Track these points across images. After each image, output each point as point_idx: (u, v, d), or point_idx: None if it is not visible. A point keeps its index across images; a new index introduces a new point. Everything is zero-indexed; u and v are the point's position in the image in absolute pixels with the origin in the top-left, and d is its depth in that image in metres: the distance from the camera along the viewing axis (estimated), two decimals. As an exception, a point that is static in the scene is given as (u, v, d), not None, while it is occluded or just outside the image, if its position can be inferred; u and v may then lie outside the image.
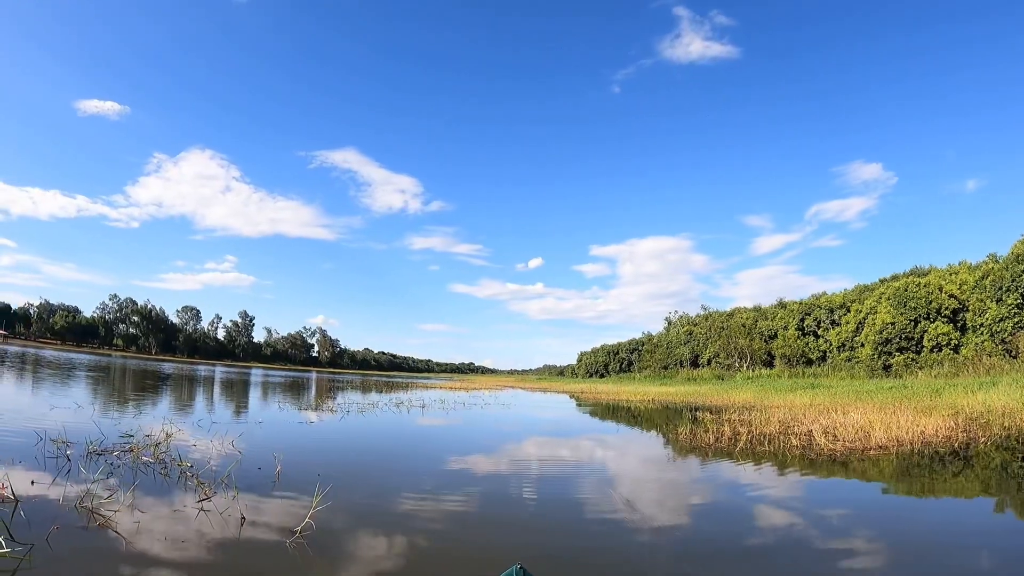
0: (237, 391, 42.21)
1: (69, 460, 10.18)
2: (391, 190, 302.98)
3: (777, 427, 19.83)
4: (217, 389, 42.66)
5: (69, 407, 18.34)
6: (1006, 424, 18.74)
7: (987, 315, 50.22)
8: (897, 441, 16.36)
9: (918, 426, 17.82)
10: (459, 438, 20.49)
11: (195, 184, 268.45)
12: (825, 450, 15.47)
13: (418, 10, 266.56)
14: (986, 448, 15.96)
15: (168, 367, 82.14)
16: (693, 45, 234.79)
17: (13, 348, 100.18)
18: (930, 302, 57.86)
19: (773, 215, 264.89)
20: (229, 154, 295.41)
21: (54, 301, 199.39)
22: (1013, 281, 47.45)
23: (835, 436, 17.17)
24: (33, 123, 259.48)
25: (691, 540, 7.87)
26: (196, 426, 16.61)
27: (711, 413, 29.16)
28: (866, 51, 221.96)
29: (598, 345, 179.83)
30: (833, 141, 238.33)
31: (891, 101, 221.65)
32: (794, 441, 16.76)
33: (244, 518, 7.51)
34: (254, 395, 38.29)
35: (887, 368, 59.67)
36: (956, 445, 16.25)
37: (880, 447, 15.75)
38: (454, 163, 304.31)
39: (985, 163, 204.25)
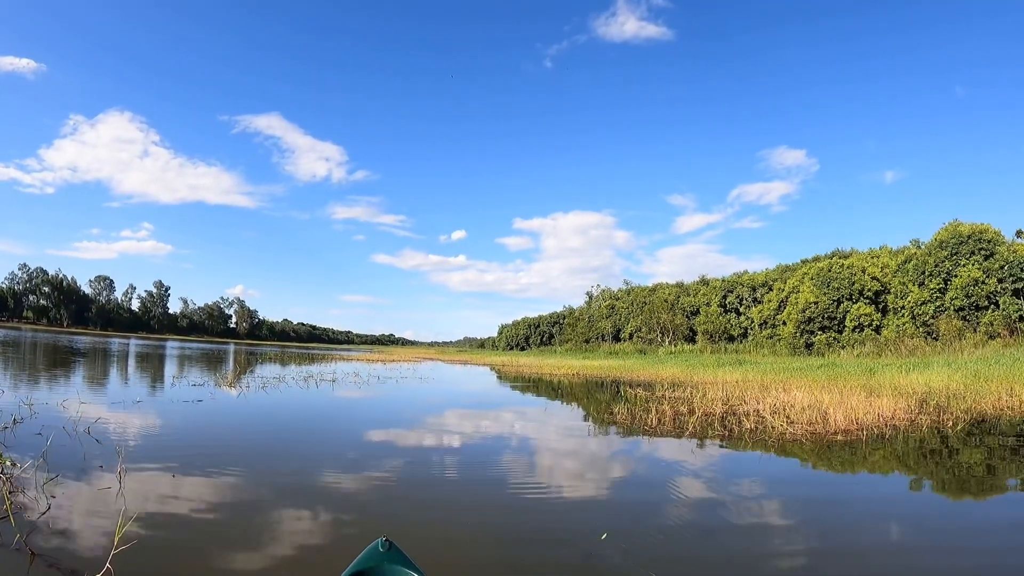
0: (156, 365, 40.19)
1: None
2: (315, 158, 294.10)
3: (721, 407, 18.42)
4: (135, 363, 40.79)
5: None
6: (964, 408, 17.62)
7: (909, 298, 50.87)
8: (858, 424, 15.05)
9: (874, 407, 16.60)
10: (372, 414, 19.06)
11: (112, 148, 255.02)
12: (784, 434, 14.03)
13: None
14: (962, 433, 14.59)
15: (82, 341, 78.95)
16: (628, 24, 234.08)
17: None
18: (853, 283, 58.34)
19: (696, 195, 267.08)
20: (149, 117, 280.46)
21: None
22: (936, 266, 48.36)
23: (788, 417, 15.75)
24: None
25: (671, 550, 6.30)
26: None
27: (641, 389, 27.89)
28: (797, 37, 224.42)
29: (519, 318, 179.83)
30: (759, 126, 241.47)
31: (816, 88, 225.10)
32: (746, 423, 15.26)
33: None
34: (162, 369, 35.97)
35: (809, 346, 60.16)
36: (925, 429, 14.92)
37: (844, 430, 14.37)
38: (381, 133, 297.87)
39: (903, 154, 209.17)
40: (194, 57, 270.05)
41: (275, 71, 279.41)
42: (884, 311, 56.86)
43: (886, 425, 15.23)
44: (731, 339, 78.28)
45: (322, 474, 9.55)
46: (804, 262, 74.94)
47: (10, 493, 6.95)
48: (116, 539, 5.27)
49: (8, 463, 8.24)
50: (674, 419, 16.31)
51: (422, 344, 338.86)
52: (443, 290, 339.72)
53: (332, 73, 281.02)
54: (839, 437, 13.75)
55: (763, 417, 16.10)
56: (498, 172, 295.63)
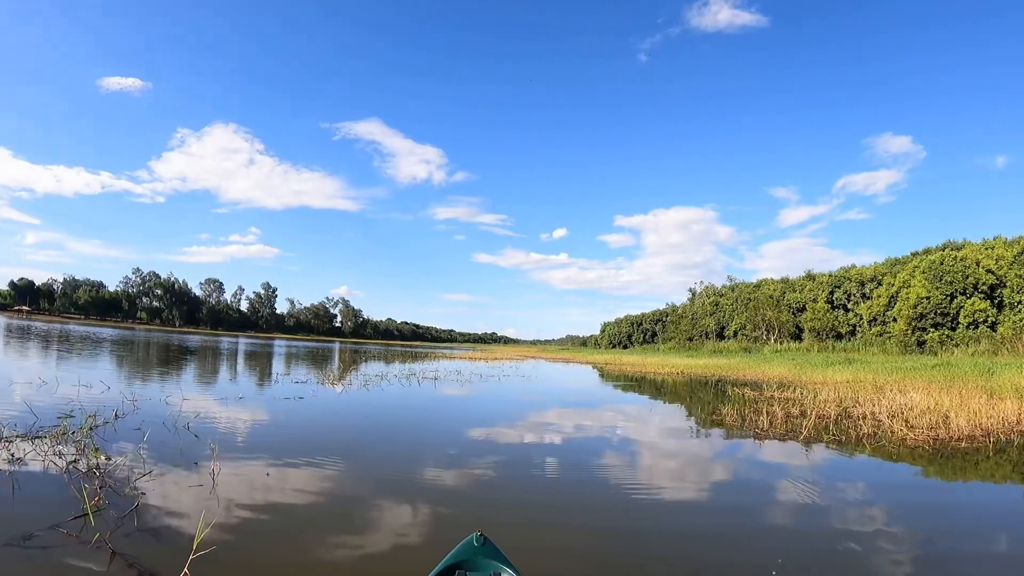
0: (261, 362, 41.65)
1: None
2: (415, 160, 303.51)
3: (834, 409, 18.04)
4: (241, 360, 42.30)
5: (73, 383, 17.37)
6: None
7: (1027, 292, 48.02)
8: (982, 429, 14.44)
9: (997, 411, 16.00)
10: (473, 412, 19.28)
11: (219, 158, 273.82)
12: (904, 439, 13.59)
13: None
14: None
15: (193, 340, 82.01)
16: (721, 13, 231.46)
17: (38, 324, 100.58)
18: (967, 276, 55.95)
19: (800, 187, 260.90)
20: (253, 127, 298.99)
21: (79, 277, 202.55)
22: (1058, 258, 45.15)
23: (906, 421, 15.32)
24: (56, 103, 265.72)
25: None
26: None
27: (748, 388, 27.54)
28: (899, 21, 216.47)
29: (621, 316, 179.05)
30: (863, 112, 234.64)
31: (920, 72, 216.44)
32: (863, 427, 14.90)
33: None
34: (267, 367, 37.43)
35: (921, 344, 57.99)
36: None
37: (967, 436, 13.84)
38: (478, 132, 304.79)
39: (1014, 138, 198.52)
40: (294, 68, 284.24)
41: (373, 78, 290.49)
42: (1000, 306, 54.42)
43: (1012, 431, 14.64)
44: (839, 337, 76.13)
45: (421, 469, 9.70)
46: (914, 255, 72.38)
47: (100, 488, 7.09)
48: (196, 542, 5.29)
49: (103, 458, 8.45)
50: (786, 421, 16.05)
51: (524, 342, 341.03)
52: (545, 288, 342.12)
53: (428, 77, 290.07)
54: (963, 444, 13.26)
55: (880, 421, 15.73)
56: (598, 169, 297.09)
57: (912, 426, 14.83)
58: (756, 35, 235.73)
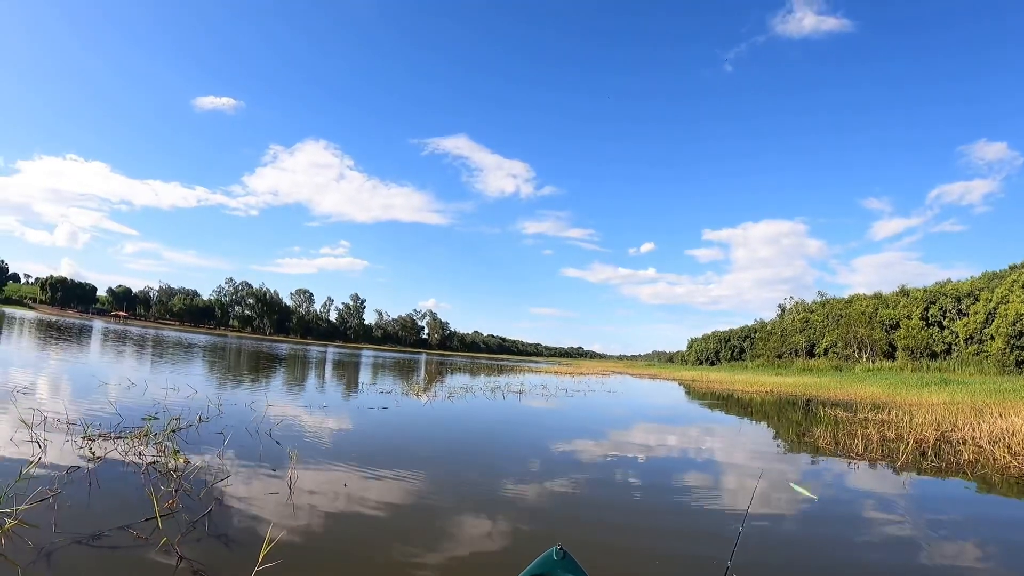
0: (348, 371, 42.36)
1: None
2: (503, 175, 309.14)
3: (932, 433, 17.76)
4: (328, 369, 43.30)
5: (166, 387, 18.24)
6: None
7: None
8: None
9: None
10: (557, 427, 19.54)
11: (310, 173, 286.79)
12: (1008, 466, 13.36)
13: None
14: None
15: (282, 348, 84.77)
16: (806, 20, 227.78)
17: (134, 328, 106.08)
18: (1072, 292, 53.76)
19: (892, 198, 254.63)
20: (342, 144, 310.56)
21: (175, 285, 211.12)
22: None
23: (1009, 448, 15.01)
24: (154, 121, 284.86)
25: None
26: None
27: (840, 409, 27.21)
28: (987, 21, 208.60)
29: (709, 332, 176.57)
30: (956, 119, 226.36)
31: (1013, 76, 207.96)
32: (964, 453, 14.69)
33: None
34: (354, 376, 37.97)
35: (1020, 364, 55.69)
36: None
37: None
38: (565, 146, 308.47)
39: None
40: (382, 85, 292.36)
41: (460, 96, 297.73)
42: (1110, 323, 52.13)
43: None
44: (933, 355, 73.65)
45: (502, 483, 9.76)
46: (1013, 268, 69.60)
47: (176, 491, 7.24)
48: (263, 553, 5.33)
49: (182, 461, 8.62)
50: (881, 445, 15.92)
51: (610, 357, 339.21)
52: (633, 303, 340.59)
53: (514, 94, 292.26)
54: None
55: (981, 447, 15.51)
56: (685, 182, 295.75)
57: (1016, 453, 14.52)
58: (843, 40, 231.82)
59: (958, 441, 16.47)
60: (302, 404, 18.57)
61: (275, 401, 17.68)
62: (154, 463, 8.58)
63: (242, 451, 10.21)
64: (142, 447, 9.43)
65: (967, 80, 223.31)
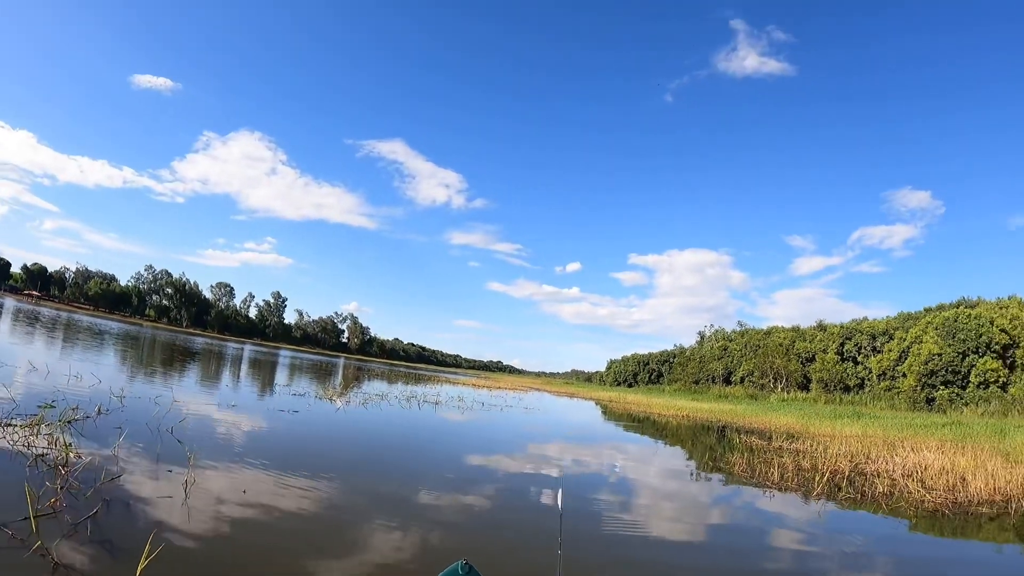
0: (263, 371, 41.21)
1: None
2: (435, 184, 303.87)
3: (847, 464, 17.49)
4: (244, 367, 41.89)
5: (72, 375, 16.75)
6: None
7: (1042, 354, 47.46)
8: (1001, 494, 13.86)
9: (1015, 475, 15.39)
10: (472, 439, 19.18)
11: (242, 164, 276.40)
12: (923, 500, 13.05)
13: (474, 2, 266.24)
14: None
15: (198, 341, 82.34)
16: (749, 59, 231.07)
17: (46, 311, 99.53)
18: (980, 335, 55.45)
19: (816, 236, 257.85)
20: (278, 137, 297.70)
21: (93, 268, 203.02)
22: (1078, 322, 44.63)
23: (922, 482, 14.77)
24: (87, 94, 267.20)
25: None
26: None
27: (756, 437, 27.07)
28: (924, 78, 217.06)
29: (629, 354, 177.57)
30: (883, 165, 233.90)
31: (941, 127, 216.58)
32: (879, 485, 14.32)
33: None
34: (269, 376, 36.75)
35: (930, 401, 57.31)
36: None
37: (987, 501, 13.30)
38: (500, 161, 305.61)
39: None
40: (323, 83, 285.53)
41: (400, 100, 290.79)
42: (1012, 367, 53.80)
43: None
44: (847, 389, 75.32)
45: (411, 493, 9.52)
46: (927, 311, 71.74)
47: (61, 488, 6.67)
48: (140, 566, 4.98)
49: (73, 455, 7.96)
50: (797, 474, 15.54)
51: (529, 373, 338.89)
52: (555, 321, 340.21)
53: (454, 105, 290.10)
54: (984, 508, 12.76)
55: (895, 480, 15.23)
56: (615, 206, 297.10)
57: (929, 487, 14.30)
58: (782, 83, 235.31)
59: (872, 473, 16.25)
60: (211, 402, 17.73)
61: (182, 397, 16.72)
62: (43, 456, 7.89)
63: (140, 448, 9.55)
64: (32, 437, 8.71)
65: (897, 126, 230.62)
